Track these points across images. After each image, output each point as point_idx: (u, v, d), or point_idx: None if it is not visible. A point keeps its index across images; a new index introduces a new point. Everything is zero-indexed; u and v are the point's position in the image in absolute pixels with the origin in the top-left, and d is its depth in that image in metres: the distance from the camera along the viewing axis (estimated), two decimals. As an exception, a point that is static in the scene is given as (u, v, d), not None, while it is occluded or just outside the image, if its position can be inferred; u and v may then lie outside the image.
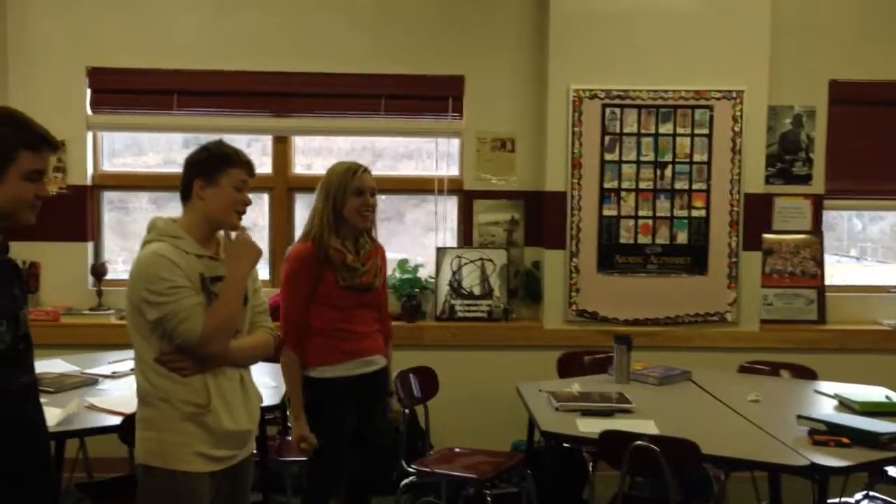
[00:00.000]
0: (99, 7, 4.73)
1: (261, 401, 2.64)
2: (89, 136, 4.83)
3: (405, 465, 3.66)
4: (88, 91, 4.77)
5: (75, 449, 3.84)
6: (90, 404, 3.17)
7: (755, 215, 4.74)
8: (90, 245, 4.88)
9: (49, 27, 4.72)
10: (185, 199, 2.47)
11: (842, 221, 5.32)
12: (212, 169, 2.43)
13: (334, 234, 3.09)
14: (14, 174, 1.87)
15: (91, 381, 3.51)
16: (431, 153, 5.00)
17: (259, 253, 2.52)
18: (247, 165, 2.49)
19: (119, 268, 4.92)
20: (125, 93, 4.80)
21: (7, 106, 1.99)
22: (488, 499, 3.53)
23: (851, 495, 3.68)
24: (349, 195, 3.09)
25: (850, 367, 4.48)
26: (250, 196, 2.50)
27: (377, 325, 3.25)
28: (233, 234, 2.51)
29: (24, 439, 1.92)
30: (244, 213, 2.50)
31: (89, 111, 4.79)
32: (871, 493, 3.64)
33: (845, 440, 2.89)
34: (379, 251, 3.25)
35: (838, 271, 5.20)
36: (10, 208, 1.88)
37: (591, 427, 3.05)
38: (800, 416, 3.07)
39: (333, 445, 3.13)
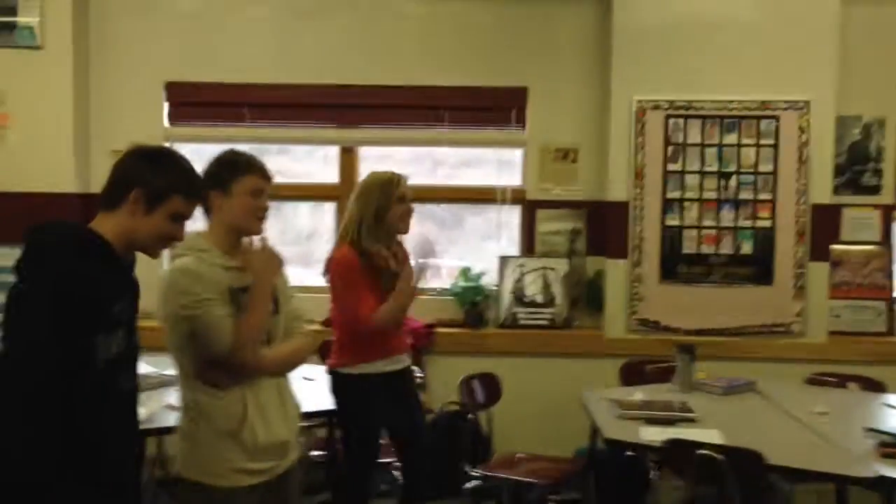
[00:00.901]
0: (176, 25, 4.94)
1: (299, 409, 2.63)
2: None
3: (469, 469, 3.73)
4: (166, 104, 4.97)
5: (155, 446, 4.01)
6: (168, 404, 3.31)
7: (822, 226, 4.69)
8: (165, 252, 5.05)
9: (129, 44, 4.94)
10: (208, 212, 2.47)
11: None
12: (224, 179, 2.44)
13: (376, 239, 3.27)
14: (162, 213, 2.03)
15: (169, 382, 3.66)
16: (491, 161, 5.06)
17: (281, 262, 2.52)
18: (260, 171, 2.48)
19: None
20: (200, 106, 4.98)
21: (176, 151, 2.18)
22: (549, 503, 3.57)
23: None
24: (393, 202, 3.27)
25: (921, 380, 4.40)
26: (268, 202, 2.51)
27: (404, 326, 3.47)
28: (255, 243, 2.50)
29: (125, 441, 2.07)
30: (265, 219, 2.50)
31: (167, 123, 4.98)
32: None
33: (915, 453, 2.86)
34: (407, 255, 3.41)
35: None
36: (145, 241, 2.05)
37: (653, 435, 3.08)
38: (868, 428, 3.05)
39: (365, 439, 3.33)
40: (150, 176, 2.03)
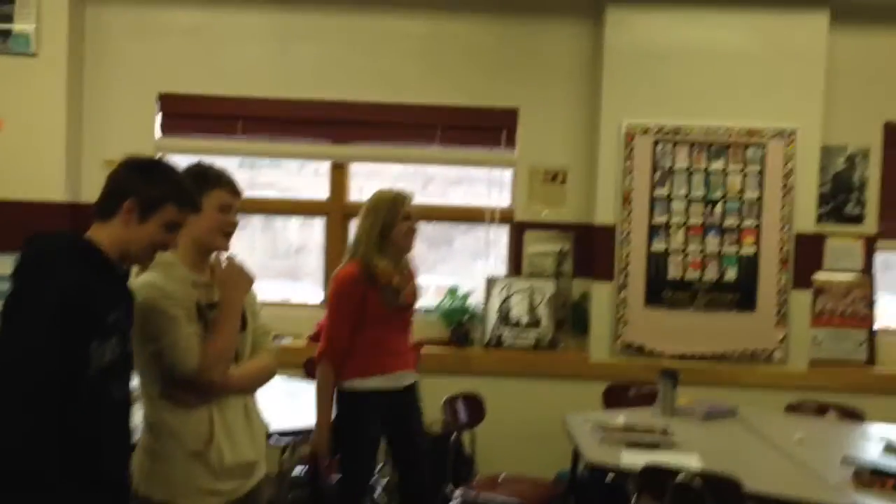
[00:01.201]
0: (171, 37, 4.96)
1: (266, 429, 2.62)
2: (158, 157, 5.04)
3: (451, 489, 3.74)
4: (159, 115, 4.99)
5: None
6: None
7: (806, 254, 4.75)
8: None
9: (124, 55, 4.96)
10: None
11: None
12: None
13: (380, 256, 3.32)
14: (156, 222, 2.09)
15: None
16: (481, 179, 5.11)
17: (251, 279, 2.47)
18: (228, 186, 2.42)
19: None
20: (193, 118, 5.01)
21: (169, 162, 2.22)
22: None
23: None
24: (399, 220, 3.33)
25: (900, 410, 4.45)
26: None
27: (409, 342, 3.49)
28: (223, 261, 2.46)
29: (119, 448, 2.12)
30: (232, 234, 2.44)
31: (159, 134, 5.00)
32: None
33: (890, 484, 2.90)
34: (413, 273, 3.48)
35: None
36: (138, 251, 2.11)
37: (634, 459, 3.10)
38: (845, 458, 3.09)
39: (357, 455, 3.32)
40: (143, 186, 2.08)
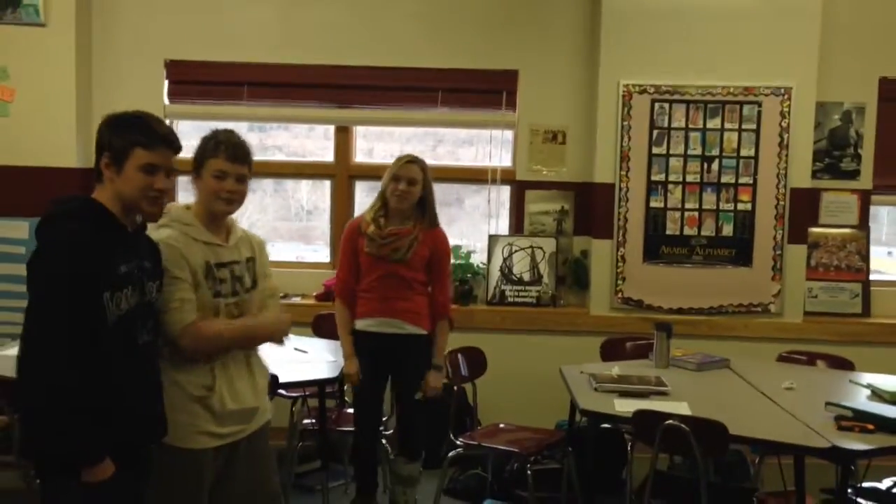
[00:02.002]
0: (177, 4, 5.06)
1: (267, 377, 2.78)
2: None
3: (453, 438, 3.90)
4: (166, 82, 5.11)
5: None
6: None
7: (801, 209, 4.84)
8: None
9: (131, 23, 5.06)
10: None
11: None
12: (197, 162, 2.58)
13: (376, 210, 3.69)
14: (131, 168, 2.20)
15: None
16: (494, 140, 5.17)
17: (287, 331, 2.71)
18: (225, 154, 2.53)
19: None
20: (199, 84, 5.11)
21: (143, 112, 2.30)
22: (528, 472, 3.74)
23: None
24: (389, 180, 3.66)
25: (893, 360, 4.57)
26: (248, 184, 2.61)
27: (415, 297, 3.71)
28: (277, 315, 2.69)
29: (143, 387, 2.28)
30: (231, 200, 2.56)
31: (167, 101, 5.12)
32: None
33: (870, 426, 3.03)
34: (423, 234, 3.67)
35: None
36: (132, 200, 2.22)
37: (626, 407, 3.24)
38: (828, 403, 3.22)
39: (362, 395, 3.75)
40: (110, 138, 2.22)
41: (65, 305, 2.05)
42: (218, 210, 2.58)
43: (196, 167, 2.59)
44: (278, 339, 2.72)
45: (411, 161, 3.68)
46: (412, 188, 3.64)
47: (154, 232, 2.50)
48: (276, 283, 2.81)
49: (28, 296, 2.13)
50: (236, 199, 2.59)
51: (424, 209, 3.71)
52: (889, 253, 5.44)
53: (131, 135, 2.20)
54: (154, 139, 2.22)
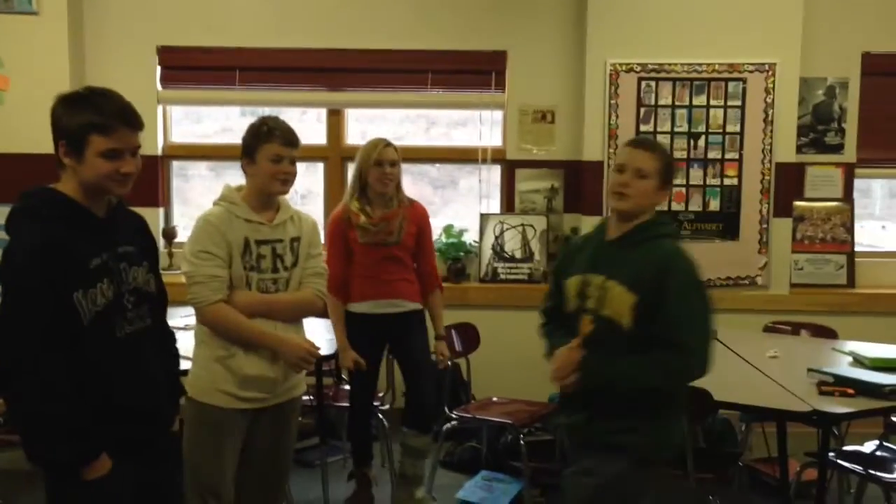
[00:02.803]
0: (167, -10, 5.11)
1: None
2: (159, 109, 5.22)
3: (447, 412, 4.00)
4: (158, 68, 5.16)
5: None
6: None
7: (786, 184, 4.94)
8: (161, 210, 5.30)
9: (122, 10, 5.11)
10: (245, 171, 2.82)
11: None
12: (251, 148, 2.77)
13: (358, 199, 3.70)
14: (91, 155, 2.05)
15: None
16: (485, 119, 5.22)
17: (311, 364, 2.85)
18: (280, 139, 2.75)
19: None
20: (192, 69, 5.17)
21: (99, 87, 2.18)
22: (522, 443, 3.85)
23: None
24: (371, 166, 3.66)
25: (877, 329, 4.66)
26: (298, 167, 2.82)
27: (409, 274, 3.80)
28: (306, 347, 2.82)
29: (132, 380, 2.19)
30: (288, 181, 2.79)
31: (159, 87, 5.17)
32: (886, 444, 3.84)
33: (850, 391, 3.13)
34: (406, 212, 3.73)
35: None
36: (101, 185, 2.09)
37: (615, 377, 3.33)
38: (810, 369, 3.32)
39: (358, 371, 3.76)
40: (64, 124, 2.04)
41: (32, 312, 1.99)
42: (275, 191, 2.79)
43: (249, 152, 2.77)
44: (298, 317, 2.88)
45: (388, 144, 3.74)
46: (395, 170, 3.72)
47: (205, 211, 2.75)
48: (322, 265, 2.94)
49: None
50: (291, 180, 2.81)
51: (399, 190, 3.80)
52: (883, 227, 5.54)
53: (84, 118, 2.03)
54: (110, 120, 2.04)
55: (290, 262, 2.82)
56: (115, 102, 2.09)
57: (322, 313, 3.30)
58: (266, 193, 2.79)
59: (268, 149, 2.74)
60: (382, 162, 3.68)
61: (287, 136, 2.77)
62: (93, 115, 2.03)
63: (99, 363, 2.11)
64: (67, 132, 2.04)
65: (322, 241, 3.01)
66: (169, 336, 2.44)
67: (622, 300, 2.41)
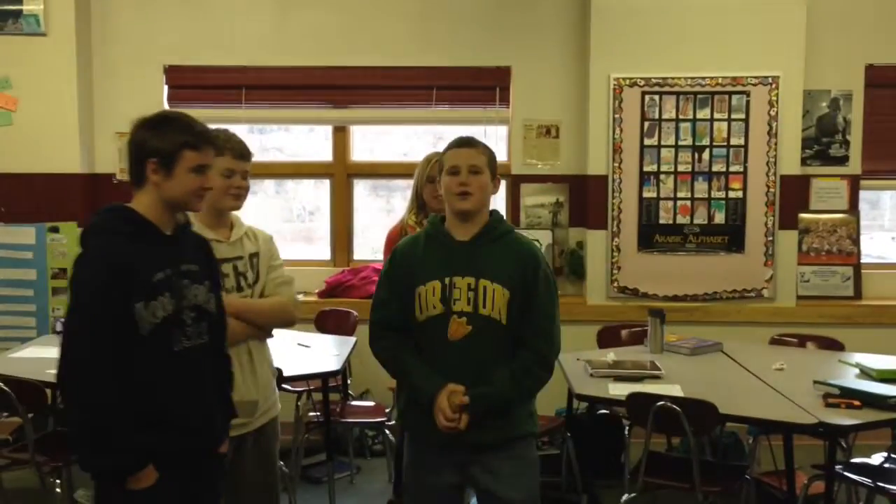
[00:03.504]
0: (175, 10, 5.16)
1: (273, 372, 2.90)
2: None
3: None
4: (166, 87, 5.21)
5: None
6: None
7: (791, 196, 4.94)
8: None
9: (130, 30, 5.17)
10: None
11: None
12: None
13: (416, 213, 3.66)
14: (182, 170, 2.21)
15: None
16: (490, 135, 5.23)
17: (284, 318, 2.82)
18: (231, 152, 2.64)
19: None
20: (198, 88, 5.22)
21: (172, 110, 2.32)
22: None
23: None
24: (424, 182, 3.62)
25: (884, 341, 4.64)
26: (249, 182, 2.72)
27: None
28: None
29: (187, 394, 2.25)
30: (239, 196, 2.69)
31: (166, 106, 5.22)
32: (894, 456, 3.83)
33: (857, 403, 3.12)
34: None
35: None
36: (182, 200, 2.25)
37: (620, 391, 3.34)
38: (816, 381, 3.31)
39: None
40: (156, 144, 2.19)
41: (93, 320, 2.09)
42: (227, 206, 2.70)
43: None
44: (276, 323, 2.81)
45: (433, 159, 3.65)
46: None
47: None
48: (287, 274, 2.87)
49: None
50: (243, 195, 2.73)
51: None
52: (893, 238, 5.53)
53: (178, 136, 2.20)
54: (200, 139, 2.23)
55: (252, 279, 2.76)
56: (198, 123, 2.28)
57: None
58: (218, 209, 2.69)
59: (220, 163, 2.60)
60: (434, 178, 3.54)
61: (239, 150, 2.69)
62: (185, 134, 2.21)
63: (154, 375, 2.18)
64: (159, 150, 2.19)
65: (279, 253, 2.93)
66: (225, 357, 2.47)
67: (500, 297, 2.48)
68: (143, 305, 2.13)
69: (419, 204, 3.68)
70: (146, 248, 2.19)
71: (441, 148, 2.74)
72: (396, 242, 3.60)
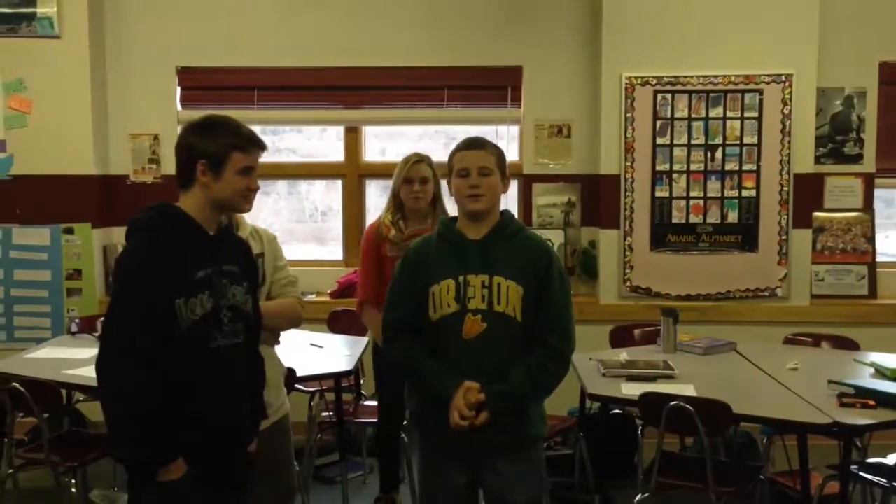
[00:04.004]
0: (187, 12, 5.19)
1: (282, 372, 2.94)
2: (179, 130, 5.27)
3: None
4: (178, 89, 5.24)
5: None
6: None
7: (805, 194, 4.91)
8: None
9: (143, 32, 5.20)
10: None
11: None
12: None
13: (392, 213, 3.69)
14: (230, 172, 2.27)
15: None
16: (501, 135, 5.24)
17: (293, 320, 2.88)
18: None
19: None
20: (211, 89, 5.25)
21: (217, 114, 2.38)
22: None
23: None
24: (402, 183, 3.66)
25: (900, 340, 4.63)
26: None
27: None
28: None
29: (218, 391, 2.29)
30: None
31: (179, 107, 5.25)
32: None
33: (871, 403, 3.10)
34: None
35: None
36: (230, 201, 2.31)
37: (633, 391, 3.33)
38: (830, 381, 3.29)
39: (387, 389, 3.76)
40: (206, 146, 2.27)
41: (133, 314, 2.13)
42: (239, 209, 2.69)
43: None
44: (284, 324, 2.83)
45: (419, 160, 3.70)
46: (425, 187, 3.67)
47: None
48: (291, 273, 2.90)
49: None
50: (252, 198, 2.70)
51: (436, 205, 3.75)
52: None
53: (226, 139, 2.28)
54: (247, 142, 2.31)
55: (260, 280, 2.76)
56: (243, 126, 2.35)
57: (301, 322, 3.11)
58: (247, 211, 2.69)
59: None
60: (412, 179, 3.66)
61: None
62: (233, 137, 2.29)
63: (190, 370, 2.23)
64: (208, 153, 2.26)
65: (283, 252, 2.96)
66: (258, 358, 2.51)
67: (513, 294, 2.49)
68: (183, 301, 2.19)
69: (396, 203, 3.71)
70: (189, 247, 2.25)
71: (452, 148, 2.73)
72: (371, 240, 3.73)
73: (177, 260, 2.21)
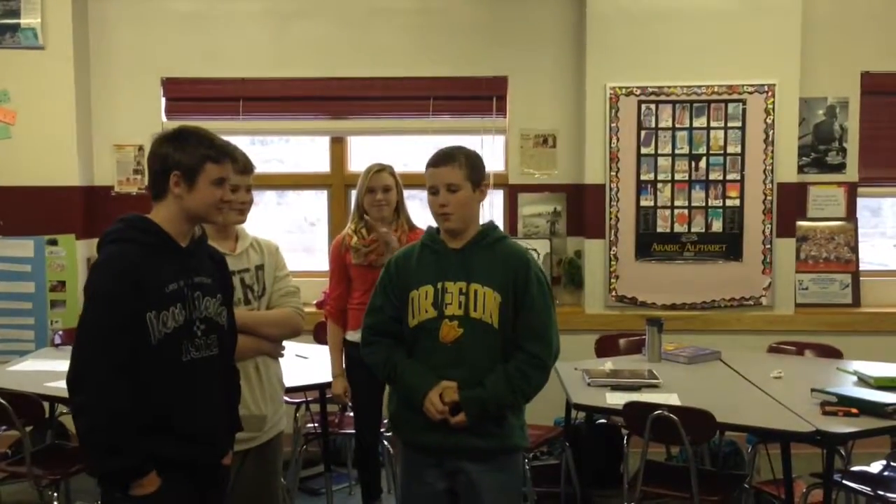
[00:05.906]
0: (172, 23, 5.18)
1: (282, 385, 2.94)
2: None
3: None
4: (163, 99, 5.23)
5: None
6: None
7: (788, 203, 4.94)
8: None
9: (127, 42, 5.19)
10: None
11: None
12: None
13: (356, 222, 3.72)
14: (203, 183, 2.25)
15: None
16: (487, 144, 5.23)
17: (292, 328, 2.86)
18: (234, 166, 2.58)
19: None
20: (196, 100, 5.23)
21: (190, 125, 2.35)
22: (527, 468, 3.83)
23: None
24: (364, 192, 3.69)
25: (883, 348, 4.64)
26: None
27: None
28: None
29: (192, 404, 2.26)
30: (242, 210, 2.73)
31: (164, 118, 5.23)
32: (893, 464, 3.81)
33: (854, 410, 3.12)
34: (406, 238, 3.64)
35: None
36: (203, 213, 2.29)
37: (618, 400, 3.33)
38: (813, 390, 3.31)
39: (356, 400, 3.73)
40: (179, 157, 2.24)
41: (104, 326, 2.11)
42: (231, 220, 2.73)
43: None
44: (284, 335, 2.82)
45: (381, 169, 3.71)
46: (388, 195, 3.69)
47: None
48: (292, 284, 2.89)
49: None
50: (247, 209, 2.77)
51: (399, 213, 3.76)
52: (895, 245, 5.52)
53: (200, 150, 2.25)
54: (220, 153, 2.30)
55: (259, 291, 2.77)
56: (216, 137, 2.34)
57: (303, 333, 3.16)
58: (223, 223, 2.70)
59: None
60: (374, 188, 3.67)
61: (242, 164, 2.71)
62: (206, 148, 2.27)
63: (162, 384, 2.19)
64: (181, 164, 2.24)
65: (285, 262, 2.96)
66: (233, 370, 2.49)
67: (490, 301, 2.51)
68: (154, 315, 2.17)
69: (360, 213, 3.73)
70: (161, 259, 2.22)
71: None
72: (336, 250, 3.76)
73: (147, 272, 2.18)
